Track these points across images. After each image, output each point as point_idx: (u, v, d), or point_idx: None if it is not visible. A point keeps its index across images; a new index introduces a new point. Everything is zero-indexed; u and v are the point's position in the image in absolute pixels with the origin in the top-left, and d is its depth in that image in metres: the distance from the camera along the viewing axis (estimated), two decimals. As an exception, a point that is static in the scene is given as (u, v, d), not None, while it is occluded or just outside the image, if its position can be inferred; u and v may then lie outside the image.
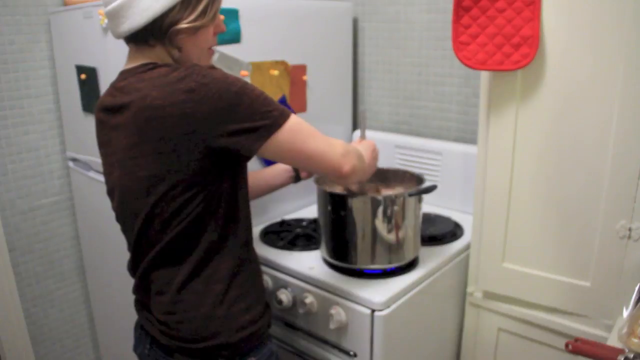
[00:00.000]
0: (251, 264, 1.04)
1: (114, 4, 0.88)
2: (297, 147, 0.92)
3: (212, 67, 0.89)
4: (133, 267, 1.04)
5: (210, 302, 0.95)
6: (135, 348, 1.09)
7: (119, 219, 1.03)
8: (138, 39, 0.91)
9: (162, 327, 0.97)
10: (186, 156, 0.87)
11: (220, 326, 0.96)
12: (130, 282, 1.33)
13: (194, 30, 0.91)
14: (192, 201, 0.91)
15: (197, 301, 0.95)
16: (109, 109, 0.95)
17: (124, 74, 0.94)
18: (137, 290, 1.05)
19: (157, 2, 0.86)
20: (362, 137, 1.30)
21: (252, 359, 1.00)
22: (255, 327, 1.00)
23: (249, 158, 0.95)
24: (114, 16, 0.90)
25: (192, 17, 0.89)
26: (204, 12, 0.90)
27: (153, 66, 0.90)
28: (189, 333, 0.95)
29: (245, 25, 1.47)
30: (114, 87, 0.95)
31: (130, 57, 0.96)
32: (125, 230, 1.03)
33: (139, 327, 1.07)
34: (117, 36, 0.94)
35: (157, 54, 0.92)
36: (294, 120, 0.91)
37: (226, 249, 0.97)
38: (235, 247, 0.99)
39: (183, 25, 0.89)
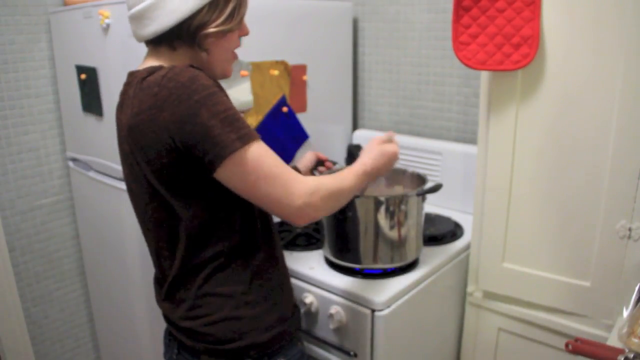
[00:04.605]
0: (274, 260, 1.01)
1: (140, 6, 0.86)
2: (247, 186, 0.84)
3: (190, 68, 0.83)
4: (160, 281, 1.03)
5: (232, 303, 0.94)
6: (165, 354, 1.07)
7: (138, 221, 1.02)
8: (162, 41, 0.89)
9: (187, 332, 0.97)
10: (167, 165, 0.85)
11: (246, 326, 0.95)
12: (130, 281, 1.33)
13: (222, 34, 0.89)
14: (188, 209, 0.89)
15: (219, 304, 0.94)
16: (118, 111, 0.95)
17: (130, 76, 0.93)
18: (162, 303, 1.03)
19: (185, 4, 0.84)
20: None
21: (281, 359, 0.99)
22: (284, 326, 1.00)
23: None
24: (139, 18, 0.88)
25: (220, 20, 0.88)
26: (231, 16, 0.89)
27: (157, 68, 0.87)
28: (215, 335, 0.94)
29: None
30: (123, 88, 0.95)
31: (146, 58, 0.94)
32: (145, 235, 1.02)
33: (168, 334, 1.06)
34: (141, 39, 0.91)
35: (178, 56, 0.91)
36: (251, 153, 0.82)
37: (244, 251, 0.95)
38: (254, 248, 0.97)
39: (211, 29, 0.87)
